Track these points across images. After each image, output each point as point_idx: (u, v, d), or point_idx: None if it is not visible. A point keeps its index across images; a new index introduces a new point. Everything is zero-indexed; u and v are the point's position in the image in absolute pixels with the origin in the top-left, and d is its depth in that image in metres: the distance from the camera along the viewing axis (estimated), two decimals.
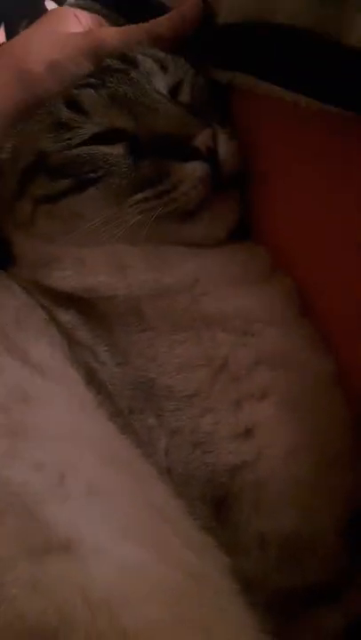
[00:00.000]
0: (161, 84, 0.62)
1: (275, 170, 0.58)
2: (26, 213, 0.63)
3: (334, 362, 0.55)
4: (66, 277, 0.60)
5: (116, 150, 0.59)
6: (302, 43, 0.49)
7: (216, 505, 0.51)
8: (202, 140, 0.56)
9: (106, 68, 0.63)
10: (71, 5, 0.75)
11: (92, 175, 0.58)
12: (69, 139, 0.60)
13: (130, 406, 0.54)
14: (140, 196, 0.57)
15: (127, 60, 0.63)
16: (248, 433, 0.53)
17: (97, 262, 0.60)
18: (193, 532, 0.48)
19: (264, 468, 0.52)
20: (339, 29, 0.47)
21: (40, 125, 0.62)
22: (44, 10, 1.17)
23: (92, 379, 0.54)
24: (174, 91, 0.63)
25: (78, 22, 0.68)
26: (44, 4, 1.17)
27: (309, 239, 0.56)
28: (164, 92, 0.62)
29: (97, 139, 0.60)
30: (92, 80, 0.62)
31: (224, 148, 0.58)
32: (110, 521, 0.43)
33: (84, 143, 0.60)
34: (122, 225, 0.57)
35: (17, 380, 0.50)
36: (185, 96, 0.63)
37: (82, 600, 0.37)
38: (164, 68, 0.63)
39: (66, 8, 0.73)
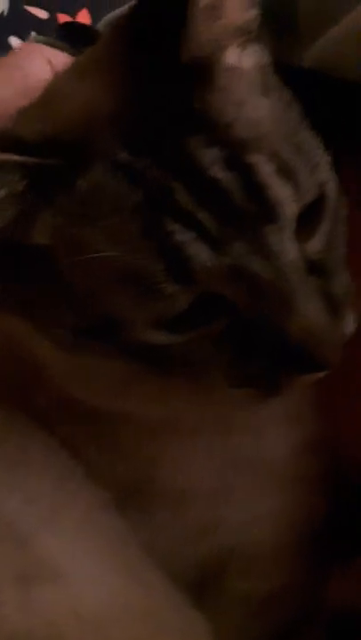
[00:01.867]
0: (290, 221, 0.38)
1: None
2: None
3: None
4: None
5: (215, 327, 0.39)
6: None
7: (201, 583, 0.50)
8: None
9: (213, 184, 0.36)
10: (39, 42, 0.64)
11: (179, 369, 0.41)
12: (160, 313, 0.38)
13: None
14: (242, 392, 0.42)
15: (250, 186, 0.36)
16: (257, 518, 0.50)
17: None
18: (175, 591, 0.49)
19: (259, 541, 0.51)
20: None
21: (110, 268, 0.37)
22: (7, 45, 1.19)
23: None
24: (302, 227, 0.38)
25: (48, 63, 0.56)
26: (7, 40, 1.20)
27: None
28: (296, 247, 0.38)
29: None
30: (201, 218, 0.36)
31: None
32: (100, 556, 0.45)
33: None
34: None
35: None
36: (318, 241, 0.40)
37: (73, 619, 0.40)
38: (294, 181, 0.37)
39: (34, 46, 0.62)
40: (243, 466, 0.51)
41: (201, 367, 0.40)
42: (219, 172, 0.35)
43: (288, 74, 0.44)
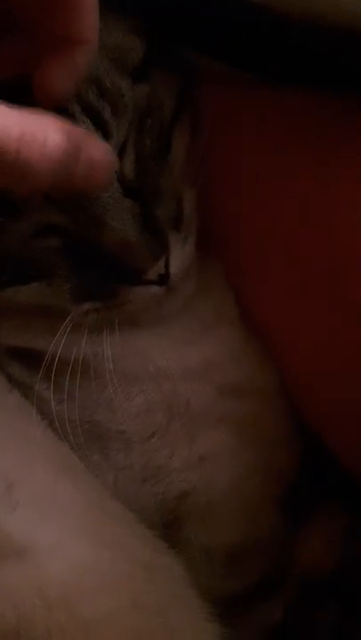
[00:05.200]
0: None
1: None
2: None
3: (277, 372, 0.57)
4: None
5: (51, 242, 0.48)
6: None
7: (164, 528, 0.53)
8: (153, 272, 0.49)
9: None
10: None
11: (32, 273, 0.49)
12: None
13: (73, 442, 0.53)
14: (88, 305, 0.50)
15: None
16: (200, 460, 0.55)
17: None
18: (147, 533, 0.51)
19: (213, 490, 0.54)
20: None
21: None
22: None
23: (36, 409, 0.54)
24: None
25: None
26: None
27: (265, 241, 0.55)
28: None
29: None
30: None
31: (176, 264, 0.50)
32: (63, 522, 0.46)
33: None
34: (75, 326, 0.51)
35: None
36: (128, 167, 0.49)
37: (39, 598, 0.40)
38: (107, 133, 0.47)
39: None
40: (167, 410, 0.54)
41: (50, 280, 0.48)
42: None
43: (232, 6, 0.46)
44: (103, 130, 0.46)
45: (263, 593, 0.54)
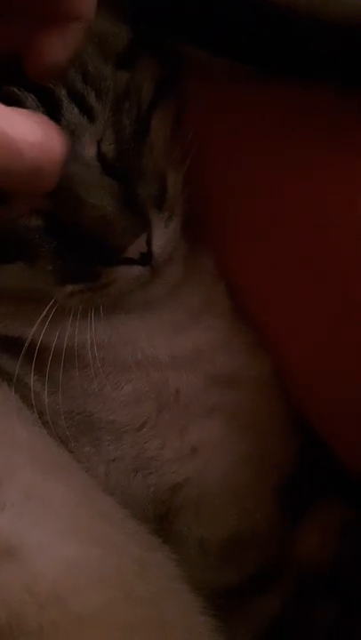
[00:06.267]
0: (88, 142, 0.49)
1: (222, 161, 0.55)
2: None
3: (271, 361, 0.57)
4: None
5: (33, 223, 0.49)
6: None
7: (158, 521, 0.54)
8: (134, 249, 0.49)
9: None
10: None
11: (16, 253, 0.50)
12: None
13: (64, 435, 0.54)
14: (71, 287, 0.50)
15: (48, 105, 0.46)
16: (193, 451, 0.55)
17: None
18: (139, 529, 0.51)
19: (206, 482, 0.54)
20: None
21: None
22: None
23: (26, 401, 0.54)
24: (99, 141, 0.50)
25: None
26: None
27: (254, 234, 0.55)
28: (92, 153, 0.49)
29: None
30: None
31: (159, 244, 0.51)
32: (51, 521, 0.46)
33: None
34: (62, 309, 0.52)
35: None
36: (107, 147, 0.50)
37: (29, 595, 0.40)
38: (93, 117, 0.48)
39: None
40: (156, 400, 0.54)
41: (33, 261, 0.49)
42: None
43: None
44: (88, 114, 0.47)
45: (259, 586, 0.54)
